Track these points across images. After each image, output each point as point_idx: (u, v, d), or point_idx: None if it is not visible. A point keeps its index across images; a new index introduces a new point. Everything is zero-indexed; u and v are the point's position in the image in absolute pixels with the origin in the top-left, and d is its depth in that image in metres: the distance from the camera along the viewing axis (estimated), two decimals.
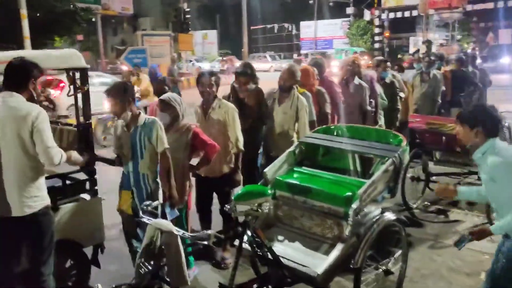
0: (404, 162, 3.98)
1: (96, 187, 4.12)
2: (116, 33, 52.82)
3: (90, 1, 37.60)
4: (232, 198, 3.36)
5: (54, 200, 3.76)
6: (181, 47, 26.57)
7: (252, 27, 42.07)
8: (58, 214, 3.77)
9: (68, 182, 4.01)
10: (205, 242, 2.78)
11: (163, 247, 2.84)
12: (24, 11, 13.09)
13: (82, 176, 4.14)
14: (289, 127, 4.97)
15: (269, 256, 3.45)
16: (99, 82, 14.02)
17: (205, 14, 48.12)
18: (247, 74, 4.92)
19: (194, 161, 4.40)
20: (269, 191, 3.45)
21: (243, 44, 33.77)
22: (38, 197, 3.19)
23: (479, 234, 2.98)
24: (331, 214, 3.75)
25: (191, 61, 36.42)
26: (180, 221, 4.13)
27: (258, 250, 3.48)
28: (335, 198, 3.73)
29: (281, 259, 3.49)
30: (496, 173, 2.86)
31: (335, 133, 4.60)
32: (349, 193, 3.67)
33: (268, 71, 33.29)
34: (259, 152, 5.11)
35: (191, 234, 2.91)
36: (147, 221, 2.93)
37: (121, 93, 3.72)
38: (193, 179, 4.51)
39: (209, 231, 2.81)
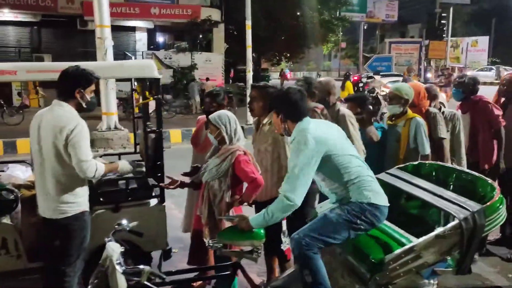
0: (481, 226, 2.74)
1: (163, 194, 4.20)
2: (383, 40, 52.90)
3: (355, 9, 38.91)
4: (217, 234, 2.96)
5: (116, 202, 4.03)
6: (431, 55, 24.86)
7: None
8: (119, 215, 3.99)
9: (134, 186, 4.20)
10: (136, 279, 2.52)
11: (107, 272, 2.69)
12: (248, 22, 14.28)
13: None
14: None
15: None
16: None
17: (479, 19, 43.35)
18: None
19: None
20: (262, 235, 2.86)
21: None
22: (74, 203, 3.37)
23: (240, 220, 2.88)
24: (360, 279, 2.91)
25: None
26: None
27: None
28: (362, 259, 2.87)
29: None
30: None
31: (427, 172, 3.53)
32: (377, 257, 2.77)
33: None
34: None
35: (127, 267, 2.65)
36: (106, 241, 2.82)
37: None
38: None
39: (143, 267, 2.53)
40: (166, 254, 4.30)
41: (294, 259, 2.88)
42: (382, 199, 2.92)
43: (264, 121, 4.00)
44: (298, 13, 25.08)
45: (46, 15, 21.95)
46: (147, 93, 4.06)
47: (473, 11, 44.72)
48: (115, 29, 23.53)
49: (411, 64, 23.36)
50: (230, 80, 27.76)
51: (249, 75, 13.23)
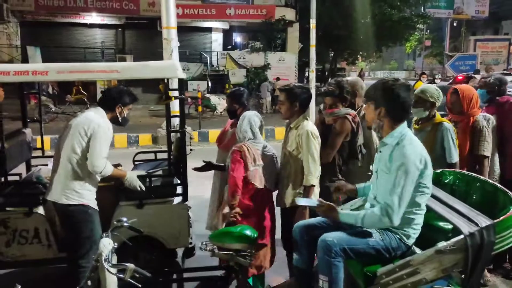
0: (489, 243, 2.47)
1: (186, 193, 4.25)
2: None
3: (441, 6, 36.97)
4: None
5: (140, 198, 4.14)
6: None
7: None
8: (142, 211, 4.12)
9: (158, 183, 4.29)
10: (121, 276, 2.55)
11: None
12: (313, 21, 14.02)
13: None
14: None
15: None
16: None
17: None
18: (332, 94, 3.96)
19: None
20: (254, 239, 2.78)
21: None
22: (78, 193, 3.60)
23: (326, 209, 2.82)
24: None
25: None
26: None
27: None
28: (359, 270, 2.71)
29: None
30: None
31: (449, 181, 3.24)
32: (372, 269, 2.60)
33: None
34: None
35: (113, 264, 2.69)
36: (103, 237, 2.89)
37: None
38: None
39: (127, 264, 2.57)
40: (189, 252, 4.36)
41: (318, 261, 2.73)
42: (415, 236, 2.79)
43: (292, 125, 3.87)
44: (376, 11, 24.25)
45: (129, 17, 23.29)
46: (169, 92, 4.13)
47: None
48: (192, 30, 24.49)
49: (491, 63, 21.72)
50: (305, 80, 27.58)
51: (312, 75, 13.04)
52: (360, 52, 28.85)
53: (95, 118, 3.63)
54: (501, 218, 2.53)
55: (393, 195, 2.61)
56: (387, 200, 2.63)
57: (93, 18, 23.23)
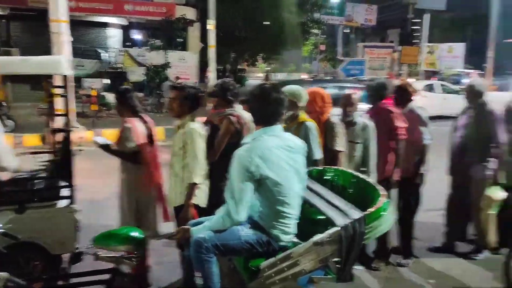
0: (361, 234, 2.70)
1: (72, 196, 4.06)
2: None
3: (334, 13, 39.09)
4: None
5: (20, 202, 3.87)
6: (403, 60, 25.03)
7: (506, 40, 36.37)
8: (23, 216, 3.85)
9: (40, 186, 4.06)
10: None
11: None
12: (212, 22, 14.17)
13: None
14: None
15: None
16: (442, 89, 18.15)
17: (455, 26, 43.96)
18: (215, 96, 4.06)
19: None
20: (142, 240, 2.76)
21: (488, 59, 29.86)
22: None
23: (182, 234, 2.86)
24: (241, 286, 2.84)
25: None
26: None
27: None
28: (245, 265, 2.80)
29: None
30: None
31: (329, 178, 3.48)
32: (256, 264, 2.70)
33: None
34: None
35: None
36: None
37: None
38: None
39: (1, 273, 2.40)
40: (76, 257, 4.17)
41: (192, 258, 2.76)
42: (289, 238, 2.86)
43: (179, 124, 3.88)
44: (275, 15, 25.01)
45: (15, 8, 21.58)
46: (52, 90, 3.92)
47: (448, 18, 45.24)
48: (87, 24, 23.39)
49: (378, 69, 23.59)
50: (205, 79, 27.63)
51: (212, 75, 13.11)
52: (260, 54, 29.52)
53: None
54: (370, 210, 2.76)
55: (227, 191, 2.75)
56: (227, 198, 2.77)
57: None
